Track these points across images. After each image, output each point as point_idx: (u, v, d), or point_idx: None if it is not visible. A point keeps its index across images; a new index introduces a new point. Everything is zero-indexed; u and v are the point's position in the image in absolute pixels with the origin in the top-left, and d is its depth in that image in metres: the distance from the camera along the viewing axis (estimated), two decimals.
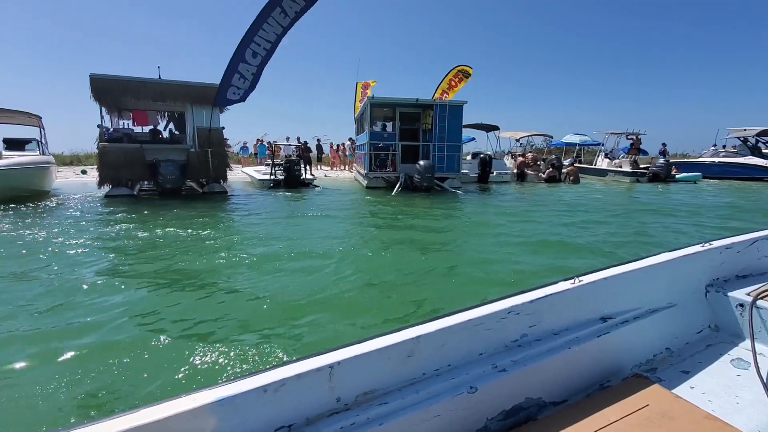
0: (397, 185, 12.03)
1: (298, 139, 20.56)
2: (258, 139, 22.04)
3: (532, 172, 17.43)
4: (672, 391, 1.17)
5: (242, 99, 10.39)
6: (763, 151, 19.13)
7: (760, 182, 17.31)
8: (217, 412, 0.80)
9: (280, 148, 23.02)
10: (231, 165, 21.15)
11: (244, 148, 22.44)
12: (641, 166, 18.59)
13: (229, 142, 21.92)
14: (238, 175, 16.33)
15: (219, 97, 10.20)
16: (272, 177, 12.94)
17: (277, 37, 10.15)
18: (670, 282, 1.58)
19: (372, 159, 12.72)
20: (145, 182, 10.74)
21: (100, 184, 10.00)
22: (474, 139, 22.07)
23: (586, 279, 1.37)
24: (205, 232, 5.96)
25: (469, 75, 20.05)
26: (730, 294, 1.62)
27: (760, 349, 1.44)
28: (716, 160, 19.38)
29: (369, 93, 19.40)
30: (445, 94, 20.05)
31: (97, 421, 0.73)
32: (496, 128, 18.21)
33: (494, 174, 16.13)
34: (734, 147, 19.60)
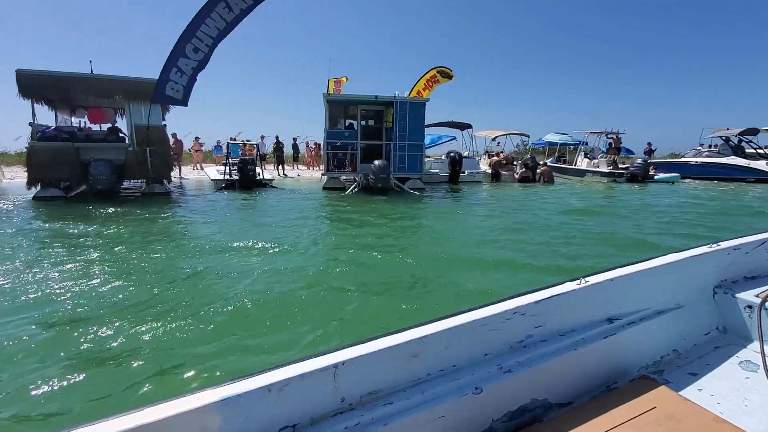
0: (353, 186, 11.49)
1: (277, 138, 20.05)
2: (231, 138, 21.45)
3: (506, 172, 16.90)
4: (679, 393, 1.16)
5: (183, 101, 9.84)
6: (747, 151, 18.65)
7: (741, 183, 16.80)
8: (222, 411, 0.79)
9: (254, 147, 22.53)
10: (202, 164, 20.52)
11: (218, 147, 21.80)
12: (622, 166, 18.08)
13: (200, 141, 21.49)
14: (204, 175, 15.78)
15: (157, 92, 9.64)
16: (225, 177, 12.39)
17: (220, 33, 9.60)
18: (678, 283, 1.55)
19: (329, 159, 12.17)
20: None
21: (29, 185, 9.44)
22: (454, 138, 21.56)
23: (593, 279, 1.34)
24: (102, 242, 5.41)
25: (450, 77, 19.56)
26: (738, 295, 1.59)
27: None
28: (698, 160, 18.87)
29: (341, 90, 18.86)
30: (420, 95, 19.51)
31: (101, 419, 0.72)
32: (469, 126, 17.68)
33: (465, 174, 15.60)
34: (715, 147, 19.11)
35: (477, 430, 1.06)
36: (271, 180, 13.18)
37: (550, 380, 1.18)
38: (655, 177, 17.43)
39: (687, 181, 18.00)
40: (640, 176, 16.36)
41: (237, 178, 12.21)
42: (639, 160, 16.82)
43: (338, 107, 13.42)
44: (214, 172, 15.09)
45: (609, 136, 19.10)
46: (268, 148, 20.83)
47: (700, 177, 18.33)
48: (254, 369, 0.88)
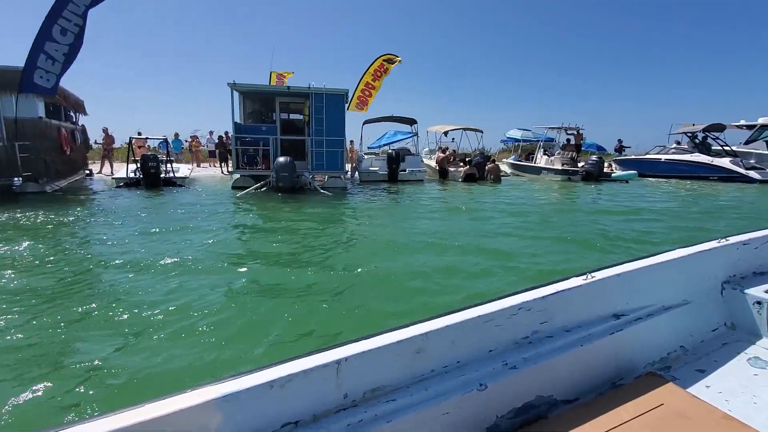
0: (257, 185, 10.53)
1: (227, 134, 19.07)
2: (175, 134, 20.45)
3: (454, 170, 15.90)
4: (687, 390, 1.15)
5: (53, 89, 8.86)
6: (713, 148, 17.64)
7: (704, 181, 15.81)
8: (224, 408, 0.78)
9: (200, 143, 21.51)
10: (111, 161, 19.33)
11: (162, 142, 20.74)
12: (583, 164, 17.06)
13: (145, 136, 20.48)
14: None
15: (24, 81, 8.66)
16: (127, 175, 11.42)
17: (86, 8, 8.61)
18: (685, 279, 1.52)
19: (238, 155, 11.19)
20: None
21: None
22: (415, 135, 20.51)
23: (599, 275, 1.32)
24: None
25: (395, 61, 18.50)
26: (747, 291, 1.57)
27: None
28: (662, 157, 17.85)
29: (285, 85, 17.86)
30: (370, 86, 18.49)
31: (102, 416, 0.71)
32: (414, 121, 16.63)
33: (406, 172, 14.60)
34: (678, 143, 18.09)
35: (481, 427, 1.04)
36: (183, 178, 12.21)
37: (556, 377, 1.16)
38: (613, 175, 16.44)
39: (647, 179, 17.02)
40: (594, 174, 15.35)
41: (141, 176, 11.24)
42: (594, 158, 15.78)
43: (256, 100, 12.45)
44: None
45: (569, 132, 18.07)
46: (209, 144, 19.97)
47: (664, 175, 17.32)
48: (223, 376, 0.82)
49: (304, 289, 3.61)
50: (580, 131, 17.94)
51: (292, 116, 12.54)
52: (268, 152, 11.68)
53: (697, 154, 16.74)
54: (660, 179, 17.00)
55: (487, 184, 14.38)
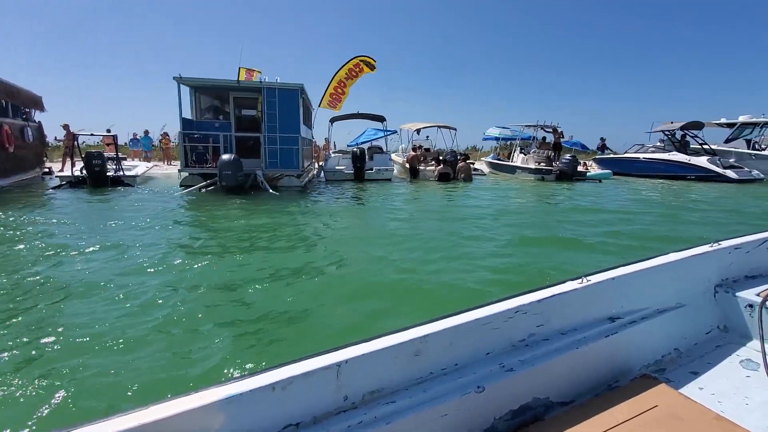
0: (201, 184, 10.08)
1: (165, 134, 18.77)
2: (145, 131, 19.98)
3: (426, 168, 15.47)
4: (680, 391, 1.17)
5: None
6: (692, 146, 17.26)
7: (681, 181, 15.43)
8: (226, 410, 0.79)
9: (170, 140, 21.02)
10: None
11: (134, 140, 20.29)
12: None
13: (114, 133, 19.98)
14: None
15: None
16: (72, 174, 10.93)
17: None
18: (679, 282, 1.55)
19: (187, 153, 10.71)
20: None
21: None
22: (394, 132, 20.06)
23: (594, 279, 1.34)
24: None
25: (373, 68, 18.13)
26: (739, 294, 1.60)
27: None
28: (640, 156, 17.46)
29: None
30: (343, 84, 18.02)
31: (105, 418, 0.72)
32: (382, 118, 16.16)
33: (373, 171, 14.16)
34: (662, 141, 17.71)
35: (479, 429, 1.06)
36: (133, 177, 11.71)
37: (552, 379, 1.17)
38: (588, 175, 16.04)
39: (623, 178, 16.63)
40: (568, 173, 14.94)
41: (86, 175, 10.74)
42: (567, 156, 15.35)
43: (212, 95, 11.97)
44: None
45: (546, 130, 17.65)
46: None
47: (643, 174, 16.94)
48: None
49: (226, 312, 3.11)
50: (558, 129, 17.52)
51: (250, 112, 12.06)
52: (227, 150, 11.27)
53: (674, 152, 16.36)
54: (637, 178, 16.62)
55: (458, 183, 13.97)
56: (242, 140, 11.26)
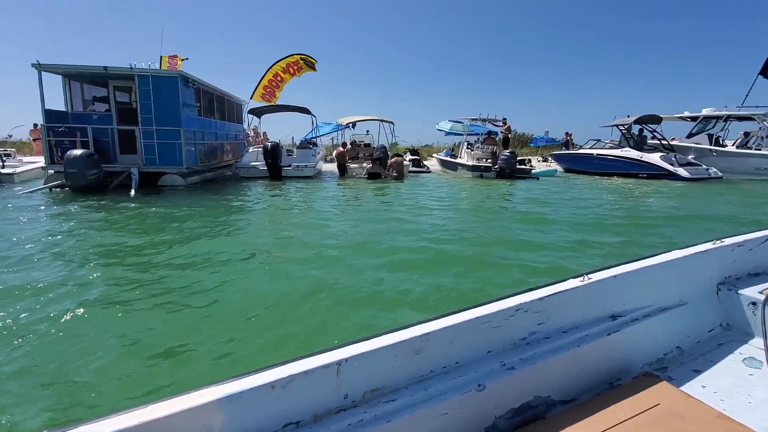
0: (52, 183, 9.01)
1: (36, 126, 17.29)
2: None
3: (355, 165, 14.34)
4: (683, 390, 1.16)
5: None
6: (649, 141, 16.01)
7: (634, 178, 14.22)
8: (225, 408, 0.78)
9: None
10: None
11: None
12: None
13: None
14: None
15: None
16: None
17: None
18: (681, 280, 1.54)
19: (52, 148, 9.62)
20: None
21: None
22: (347, 127, 18.86)
23: (596, 276, 1.34)
24: None
25: (313, 68, 17.09)
26: (741, 292, 1.59)
27: None
28: (594, 152, 16.23)
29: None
30: (279, 78, 16.90)
31: (106, 416, 0.71)
32: (307, 111, 14.94)
33: (291, 167, 13.03)
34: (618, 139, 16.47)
35: (480, 427, 1.05)
36: (9, 176, 10.66)
37: (553, 377, 1.17)
38: (532, 172, 14.85)
39: (571, 175, 15.43)
40: (506, 171, 13.76)
41: None
42: (506, 152, 14.12)
43: (93, 85, 10.85)
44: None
45: (495, 123, 16.44)
46: None
47: (597, 171, 15.70)
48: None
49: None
50: (506, 122, 16.31)
51: (125, 103, 10.91)
52: (108, 144, 10.20)
53: (627, 149, 15.12)
54: (584, 176, 15.44)
55: (388, 182, 12.84)
56: (125, 134, 10.18)
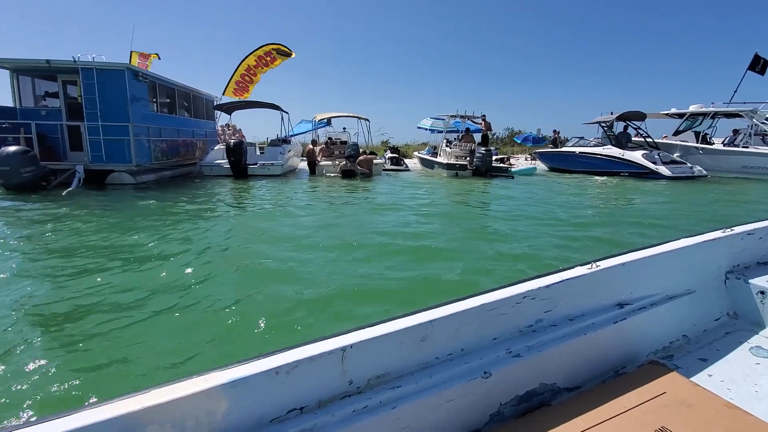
0: None
1: None
2: None
3: (327, 163, 13.86)
4: (689, 378, 1.16)
5: None
6: (633, 138, 15.46)
7: (615, 178, 13.68)
8: (230, 393, 0.78)
9: None
10: None
11: None
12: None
13: None
14: None
15: None
16: None
17: None
18: (689, 268, 1.53)
19: None
20: None
21: None
22: (327, 124, 18.39)
23: (603, 264, 1.32)
24: None
25: (289, 54, 16.57)
26: (750, 281, 1.58)
27: None
28: (576, 150, 15.69)
29: (149, 69, 15.83)
30: (252, 72, 16.43)
31: (108, 401, 0.71)
32: (276, 107, 14.46)
33: (257, 165, 12.56)
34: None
35: (485, 414, 1.06)
36: None
37: (559, 365, 1.17)
38: (510, 170, 14.34)
39: (551, 174, 14.91)
40: (482, 169, 13.25)
41: None
42: (482, 150, 13.58)
43: (42, 78, 10.43)
44: None
45: (475, 121, 15.92)
46: None
47: (581, 170, 15.14)
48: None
49: None
50: (486, 119, 15.78)
51: (72, 97, 10.47)
52: (58, 141, 9.82)
53: (609, 146, 14.58)
54: (567, 175, 14.90)
55: (355, 181, 12.39)
56: (73, 130, 9.78)
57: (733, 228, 1.66)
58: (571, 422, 0.97)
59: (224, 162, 12.56)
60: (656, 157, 13.59)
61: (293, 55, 16.68)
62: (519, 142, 22.83)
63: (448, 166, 13.84)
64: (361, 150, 15.38)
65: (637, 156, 13.58)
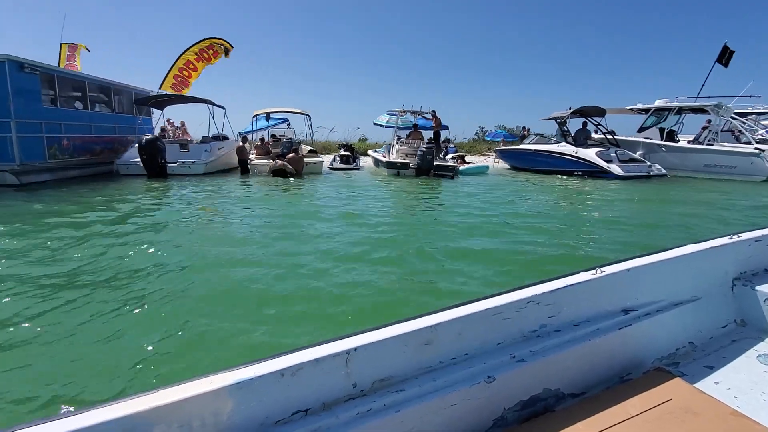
0: None
1: None
2: None
3: (259, 162, 13.02)
4: (695, 385, 1.14)
5: None
6: (594, 136, 14.51)
7: (568, 178, 12.74)
8: (235, 395, 0.78)
9: None
10: None
11: None
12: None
13: None
14: None
15: None
16: None
17: None
18: (696, 274, 1.51)
19: None
20: None
21: None
22: (286, 120, 17.55)
23: (609, 270, 1.31)
24: None
25: (228, 53, 15.80)
26: (758, 288, 1.56)
27: None
28: (533, 148, 14.73)
29: (78, 61, 15.10)
30: (192, 67, 15.63)
31: (115, 401, 0.71)
32: (209, 102, 13.61)
33: (177, 164, 11.74)
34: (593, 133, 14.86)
35: (489, 419, 1.05)
36: None
37: (563, 370, 1.16)
38: (460, 169, 13.45)
39: (510, 174, 13.98)
40: (422, 168, 12.36)
41: None
42: (423, 147, 12.66)
43: None
44: None
45: (425, 117, 15.03)
46: None
47: (539, 169, 14.19)
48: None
49: None
50: (436, 115, 14.86)
51: None
52: None
53: (563, 144, 13.63)
54: (522, 173, 14.00)
55: (287, 180, 11.56)
56: None
57: (740, 234, 1.65)
58: (574, 428, 0.97)
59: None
60: (612, 155, 12.63)
61: (228, 56, 15.92)
62: (489, 140, 21.87)
63: (389, 165, 12.97)
64: (305, 147, 14.62)
65: (590, 154, 12.61)
